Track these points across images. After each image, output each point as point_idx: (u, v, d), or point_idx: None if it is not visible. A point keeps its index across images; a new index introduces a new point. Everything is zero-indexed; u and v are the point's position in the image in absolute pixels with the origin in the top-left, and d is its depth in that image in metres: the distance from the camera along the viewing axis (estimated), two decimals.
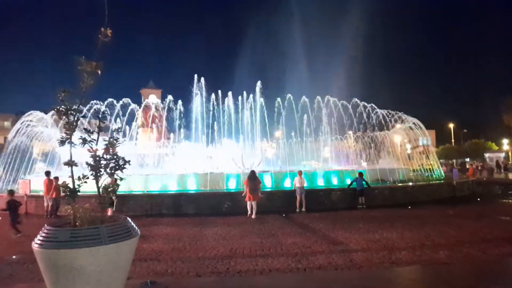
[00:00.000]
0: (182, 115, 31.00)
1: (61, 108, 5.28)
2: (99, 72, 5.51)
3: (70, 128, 5.37)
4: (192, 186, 18.78)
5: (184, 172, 22.05)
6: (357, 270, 6.64)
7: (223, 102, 29.09)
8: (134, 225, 5.42)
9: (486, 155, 57.16)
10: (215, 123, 31.34)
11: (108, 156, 5.62)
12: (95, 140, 5.53)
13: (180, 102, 28.28)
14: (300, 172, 15.99)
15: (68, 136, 5.33)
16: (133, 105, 24.46)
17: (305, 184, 15.91)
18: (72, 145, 5.39)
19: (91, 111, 22.24)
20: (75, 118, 5.42)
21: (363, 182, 16.45)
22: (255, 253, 8.07)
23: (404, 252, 7.82)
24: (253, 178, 14.39)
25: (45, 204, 15.49)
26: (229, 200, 15.71)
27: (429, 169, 29.00)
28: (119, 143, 5.73)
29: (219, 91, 27.38)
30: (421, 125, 29.45)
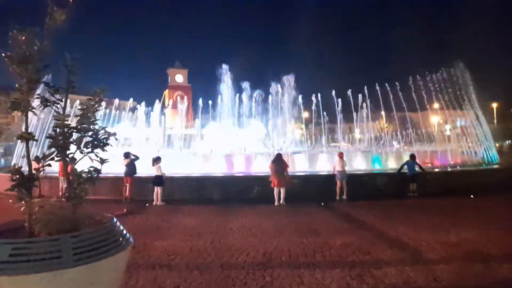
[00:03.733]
0: (206, 96, 29.57)
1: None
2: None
3: (29, 82, 3.55)
4: (218, 169, 17.05)
5: (210, 153, 20.44)
6: None
7: (252, 85, 27.15)
8: (124, 231, 3.59)
9: None
10: (242, 103, 29.63)
11: (84, 126, 3.78)
12: (61, 102, 3.67)
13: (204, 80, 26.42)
14: (341, 154, 13.79)
15: (24, 96, 3.52)
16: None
17: (346, 168, 13.74)
18: (31, 109, 3.60)
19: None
20: (36, 69, 3.58)
21: (415, 166, 14.06)
22: (297, 259, 6.11)
23: (506, 266, 5.62)
24: (280, 162, 12.59)
25: (60, 186, 14.23)
26: (258, 184, 13.80)
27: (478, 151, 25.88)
28: (99, 107, 3.85)
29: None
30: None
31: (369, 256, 6.20)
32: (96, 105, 3.82)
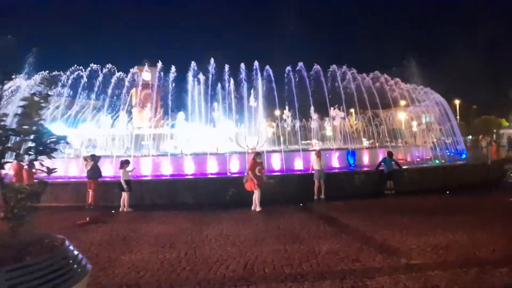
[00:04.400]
0: (176, 95, 28.33)
1: None
2: None
3: None
4: (189, 170, 16.24)
5: (181, 154, 19.53)
6: None
7: (220, 78, 26.26)
8: (80, 256, 2.88)
9: (501, 131, 54.64)
10: (213, 101, 28.83)
11: (25, 128, 3.04)
12: None
13: (173, 77, 25.29)
14: (318, 153, 13.40)
15: None
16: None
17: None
18: None
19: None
20: None
21: (392, 163, 13.92)
22: (282, 271, 5.55)
23: (504, 270, 5.31)
24: (260, 161, 11.47)
25: None
26: (233, 186, 13.11)
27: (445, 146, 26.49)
28: (45, 103, 3.11)
29: (212, 66, 24.43)
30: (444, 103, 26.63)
31: (359, 264, 5.73)
32: (42, 102, 3.08)
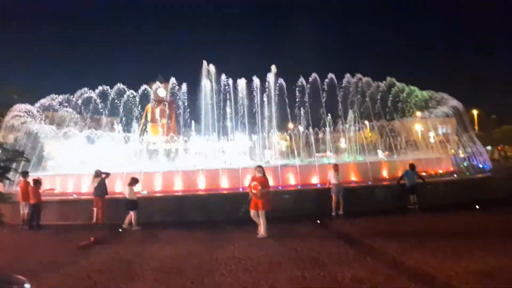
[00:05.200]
0: (189, 109, 28.12)
1: None
2: None
3: None
4: (201, 185, 15.65)
5: (193, 169, 18.99)
6: None
7: (233, 91, 25.98)
8: None
9: None
10: (227, 115, 28.46)
11: None
12: None
13: (185, 92, 25.09)
14: (336, 166, 12.64)
15: None
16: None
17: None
18: None
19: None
20: None
21: (415, 176, 13.02)
22: None
23: None
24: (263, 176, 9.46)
25: (21, 212, 12.52)
26: (247, 202, 12.40)
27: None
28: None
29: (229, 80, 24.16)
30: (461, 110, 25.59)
31: None
32: None
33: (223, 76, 23.98)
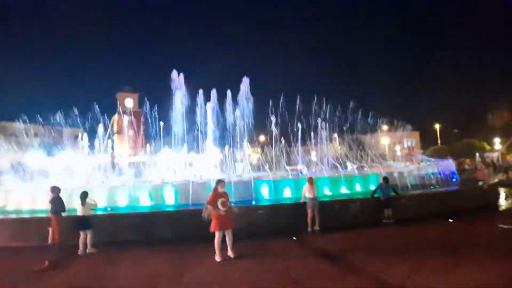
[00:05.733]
0: (158, 120, 27.28)
1: None
2: None
3: None
4: (170, 200, 14.86)
5: (161, 182, 18.12)
6: None
7: (205, 103, 25.49)
8: None
9: (485, 154, 55.23)
10: (196, 127, 27.83)
11: None
12: None
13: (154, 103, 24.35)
14: (310, 179, 12.31)
15: None
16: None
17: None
18: None
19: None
20: None
21: (390, 190, 12.94)
22: None
23: None
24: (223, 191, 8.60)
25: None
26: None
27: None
28: None
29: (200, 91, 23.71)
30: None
31: None
32: None
33: (194, 87, 23.44)
